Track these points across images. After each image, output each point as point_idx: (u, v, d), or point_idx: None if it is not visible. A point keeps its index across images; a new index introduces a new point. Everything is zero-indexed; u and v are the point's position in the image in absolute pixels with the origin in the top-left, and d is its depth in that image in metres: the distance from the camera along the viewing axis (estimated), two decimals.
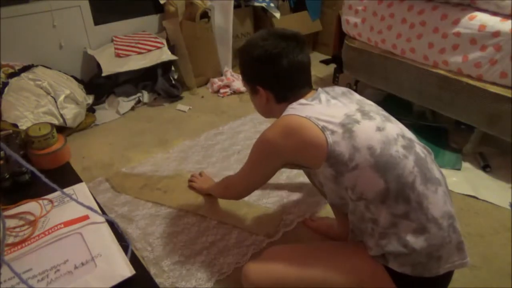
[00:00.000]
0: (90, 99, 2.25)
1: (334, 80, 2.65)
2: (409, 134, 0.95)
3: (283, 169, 1.79)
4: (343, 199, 0.96)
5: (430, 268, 0.86)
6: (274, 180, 1.71)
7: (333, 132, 0.89)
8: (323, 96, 0.99)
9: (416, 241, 0.84)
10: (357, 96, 1.04)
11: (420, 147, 0.93)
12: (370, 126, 0.90)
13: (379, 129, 0.90)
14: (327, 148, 0.88)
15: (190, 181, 1.66)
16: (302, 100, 0.99)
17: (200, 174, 1.68)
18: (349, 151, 0.87)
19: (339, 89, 1.05)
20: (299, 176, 1.74)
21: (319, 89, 1.03)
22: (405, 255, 0.85)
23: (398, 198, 0.85)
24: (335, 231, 1.37)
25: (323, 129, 0.89)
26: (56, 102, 1.93)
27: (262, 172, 1.10)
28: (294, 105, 0.98)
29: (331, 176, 0.92)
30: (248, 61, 1.07)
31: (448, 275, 0.91)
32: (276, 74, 1.02)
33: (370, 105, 1.00)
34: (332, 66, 2.70)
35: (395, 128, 0.93)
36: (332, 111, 0.94)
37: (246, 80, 1.11)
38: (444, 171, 0.95)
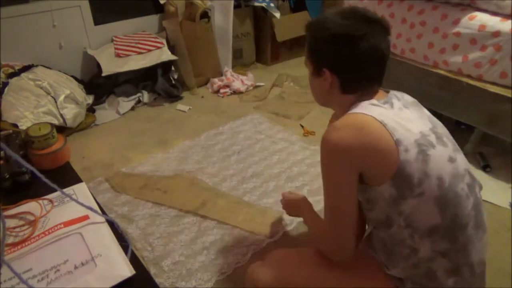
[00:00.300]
0: (90, 99, 2.25)
1: None
2: (471, 171, 0.88)
3: (282, 170, 1.79)
4: (388, 220, 0.85)
5: None
6: (274, 179, 1.71)
7: (407, 149, 0.78)
8: (396, 102, 0.87)
9: (445, 281, 0.82)
10: (425, 111, 0.93)
11: (478, 186, 0.87)
12: (444, 155, 0.82)
13: (451, 159, 0.82)
14: (398, 165, 0.78)
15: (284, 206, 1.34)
16: (373, 101, 0.86)
17: (283, 196, 1.32)
18: (419, 175, 0.78)
19: (408, 97, 0.94)
20: (299, 176, 1.74)
21: (391, 92, 0.91)
22: (426, 286, 0.84)
23: (446, 236, 0.80)
24: None
25: (397, 142, 0.78)
26: (56, 102, 1.94)
27: (342, 191, 0.86)
28: (364, 103, 0.85)
29: (390, 197, 0.81)
30: (321, 38, 0.89)
31: None
32: (351, 59, 0.86)
33: (442, 127, 0.91)
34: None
35: (464, 161, 0.86)
36: (407, 123, 0.82)
37: (312, 58, 0.93)
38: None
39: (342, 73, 0.89)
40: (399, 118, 0.83)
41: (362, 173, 0.84)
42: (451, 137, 0.89)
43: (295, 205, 1.23)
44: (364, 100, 0.88)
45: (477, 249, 0.82)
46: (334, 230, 0.89)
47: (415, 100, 0.95)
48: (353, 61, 0.87)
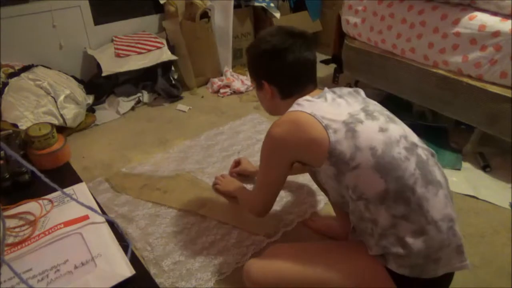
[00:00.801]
0: (90, 99, 2.25)
1: (334, 80, 2.65)
2: (412, 136, 0.95)
3: None
4: (344, 198, 0.97)
5: (428, 270, 0.86)
6: None
7: (335, 130, 0.90)
8: (329, 95, 1.00)
9: (414, 243, 0.84)
10: (363, 95, 1.05)
11: (422, 149, 0.93)
12: (373, 126, 0.91)
13: (382, 129, 0.90)
14: (329, 146, 0.89)
15: (214, 184, 1.66)
16: (308, 97, 1.00)
17: (222, 176, 1.67)
18: (350, 150, 0.88)
19: (346, 89, 1.06)
20: (299, 176, 1.74)
21: (326, 88, 1.04)
22: (403, 256, 0.85)
23: (398, 199, 0.85)
24: (336, 231, 1.37)
25: (326, 127, 0.90)
26: (56, 102, 1.93)
27: (274, 173, 1.08)
28: (300, 101, 0.99)
29: (333, 175, 0.93)
30: (255, 55, 1.08)
31: (448, 277, 0.91)
32: (281, 69, 1.03)
33: (375, 105, 1.01)
34: (332, 66, 2.70)
35: (398, 129, 0.93)
36: (337, 109, 0.95)
37: (253, 75, 1.13)
38: (444, 171, 0.95)
39: (277, 82, 1.06)
40: (330, 107, 0.96)
41: (301, 160, 1.01)
42: (386, 112, 0.99)
43: (235, 185, 1.56)
44: (300, 98, 1.02)
45: (434, 205, 0.86)
46: (263, 197, 1.16)
47: (354, 89, 1.07)
48: (283, 71, 1.04)
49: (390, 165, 0.86)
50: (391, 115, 0.99)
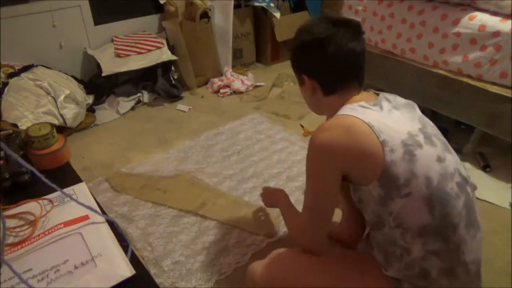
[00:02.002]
0: (90, 99, 2.25)
1: None
2: (463, 170, 0.88)
3: (282, 170, 1.79)
4: (380, 219, 0.87)
5: None
6: (274, 179, 1.71)
7: (393, 150, 0.80)
8: (385, 104, 0.89)
9: (439, 280, 0.82)
10: (418, 111, 0.94)
11: (470, 186, 0.87)
12: (432, 154, 0.82)
13: (439, 159, 0.82)
14: (384, 165, 0.80)
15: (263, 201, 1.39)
16: (363, 103, 0.88)
17: (263, 189, 1.37)
18: (405, 176, 0.79)
19: (401, 100, 0.95)
20: (299, 176, 1.74)
21: (381, 94, 0.94)
22: (422, 287, 0.84)
23: (438, 235, 0.80)
24: (341, 234, 1.35)
25: (383, 143, 0.80)
26: (56, 102, 1.93)
27: (323, 188, 0.90)
28: (354, 105, 0.88)
29: (378, 197, 0.83)
30: (295, 47, 0.98)
31: None
32: (322, 61, 0.92)
33: (432, 127, 0.91)
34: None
35: (454, 161, 0.86)
36: (395, 125, 0.84)
37: (294, 68, 1.01)
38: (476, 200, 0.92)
39: (318, 75, 0.94)
40: (387, 119, 0.84)
41: (348, 174, 0.87)
42: (442, 137, 0.90)
43: (272, 195, 1.28)
44: (349, 100, 0.92)
45: (470, 248, 0.82)
46: (313, 224, 0.94)
47: (409, 102, 0.96)
48: (323, 63, 0.92)
49: (441, 201, 0.79)
50: (446, 143, 0.90)
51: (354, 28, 0.92)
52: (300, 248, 0.99)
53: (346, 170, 0.87)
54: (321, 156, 0.88)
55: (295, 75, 1.02)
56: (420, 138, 0.83)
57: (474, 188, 0.89)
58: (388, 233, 0.85)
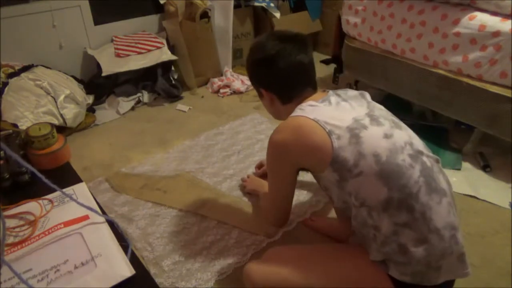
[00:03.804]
0: (90, 99, 2.25)
1: (334, 80, 2.65)
2: (417, 142, 0.93)
3: None
4: (347, 204, 0.95)
5: (429, 278, 0.86)
6: None
7: (339, 136, 0.88)
8: (333, 99, 0.97)
9: (416, 251, 0.84)
10: (368, 98, 1.02)
11: (427, 157, 0.91)
12: (378, 133, 0.89)
13: (386, 136, 0.88)
14: (332, 152, 0.87)
15: (242, 186, 1.64)
16: (312, 102, 0.97)
17: (248, 176, 1.66)
18: (354, 157, 0.86)
19: (351, 92, 1.03)
20: (298, 176, 1.73)
21: (330, 91, 1.02)
22: (404, 263, 0.85)
23: (401, 207, 0.84)
24: (336, 230, 1.37)
25: (329, 133, 0.88)
26: (56, 102, 1.94)
27: (282, 181, 1.07)
28: (304, 106, 0.97)
29: (335, 181, 0.91)
30: (250, 64, 1.09)
31: (449, 284, 0.91)
32: (275, 76, 1.02)
33: (380, 110, 0.98)
34: (332, 66, 2.70)
35: (403, 135, 0.91)
36: (341, 114, 0.92)
37: (252, 83, 1.13)
38: (444, 171, 0.95)
39: (274, 88, 1.06)
40: (334, 111, 0.94)
41: (304, 166, 0.99)
42: (391, 117, 0.97)
43: (258, 181, 1.56)
44: (303, 102, 1.01)
45: (437, 213, 0.84)
46: (274, 206, 1.20)
47: (360, 92, 1.04)
48: (277, 77, 1.03)
49: (394, 173, 0.84)
50: (397, 120, 0.97)
51: (300, 42, 1.02)
52: (293, 245, 1.13)
53: (300, 163, 0.99)
54: (276, 154, 1.01)
55: (254, 88, 1.13)
56: (366, 121, 0.91)
57: (434, 159, 0.93)
58: (357, 215, 0.91)
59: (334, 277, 0.92)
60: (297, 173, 1.05)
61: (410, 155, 0.87)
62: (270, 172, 1.09)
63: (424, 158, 0.89)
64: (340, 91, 1.03)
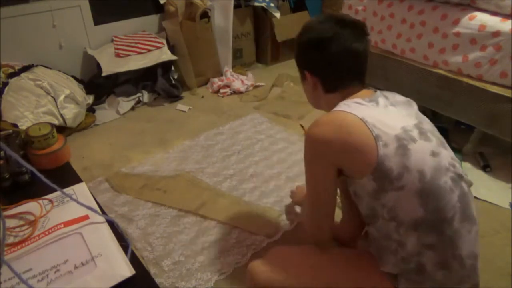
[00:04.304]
0: (90, 99, 2.25)
1: None
2: (459, 166, 0.89)
3: (282, 170, 1.79)
4: (374, 212, 0.89)
5: None
6: (274, 179, 1.71)
7: (386, 144, 0.81)
8: (381, 100, 0.91)
9: (435, 273, 0.82)
10: (415, 108, 0.96)
11: (465, 182, 0.88)
12: (426, 148, 0.83)
13: (434, 154, 0.84)
14: (377, 159, 0.81)
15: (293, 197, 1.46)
16: (358, 99, 0.90)
17: (297, 188, 1.47)
18: (398, 169, 0.81)
19: (399, 97, 0.97)
20: (299, 176, 1.74)
21: (378, 91, 0.95)
22: (418, 282, 0.84)
23: (432, 229, 0.81)
24: (339, 232, 1.36)
25: (376, 137, 0.81)
26: (56, 102, 1.93)
27: (320, 183, 0.94)
28: (349, 102, 0.90)
29: (372, 190, 0.85)
30: (299, 44, 1.00)
31: None
32: (324, 60, 0.94)
33: (428, 124, 0.93)
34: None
35: (448, 156, 0.87)
36: (390, 120, 0.85)
37: (297, 64, 1.04)
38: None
39: (320, 73, 0.97)
40: (382, 115, 0.86)
41: (342, 167, 0.89)
42: (438, 134, 0.91)
43: (302, 192, 1.35)
44: (348, 97, 0.93)
45: (465, 241, 0.83)
46: (314, 216, 0.99)
47: (407, 99, 0.97)
48: (327, 62, 0.94)
49: (434, 194, 0.81)
50: (442, 139, 0.91)
51: (359, 29, 0.93)
52: (299, 246, 1.02)
53: (340, 164, 0.89)
54: (314, 150, 0.91)
55: (298, 69, 1.04)
56: (415, 133, 0.84)
57: (470, 184, 0.90)
58: (383, 226, 0.86)
59: (340, 284, 0.91)
60: (338, 176, 0.93)
61: (452, 178, 0.84)
62: (307, 172, 0.97)
63: (463, 184, 0.86)
64: (388, 93, 0.96)
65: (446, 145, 0.91)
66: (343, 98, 0.93)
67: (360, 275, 0.92)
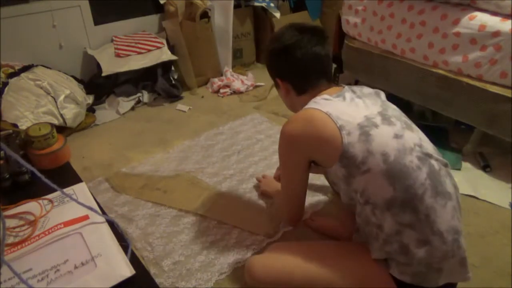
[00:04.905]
0: (90, 99, 2.25)
1: (334, 80, 2.65)
2: (427, 144, 0.94)
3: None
4: (352, 200, 0.96)
5: (429, 279, 0.86)
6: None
7: (349, 132, 0.89)
8: (348, 95, 0.98)
9: (417, 251, 0.84)
10: (383, 97, 1.04)
11: (436, 160, 0.91)
12: (388, 132, 0.89)
13: (396, 136, 0.89)
14: (342, 148, 0.88)
15: (258, 185, 1.64)
16: (326, 95, 0.98)
17: (263, 176, 1.65)
18: (362, 154, 0.87)
19: (367, 89, 1.05)
20: None
21: (346, 87, 1.03)
22: (405, 263, 0.86)
23: (405, 207, 0.85)
24: (336, 230, 1.37)
25: (340, 128, 0.89)
26: (56, 102, 1.94)
27: (293, 174, 1.07)
28: (318, 99, 0.98)
29: (342, 176, 0.92)
30: (268, 54, 1.10)
31: (450, 286, 0.92)
32: (290, 65, 1.03)
33: (394, 110, 0.99)
34: (332, 66, 2.71)
35: (413, 137, 0.92)
36: (353, 110, 0.93)
37: (269, 73, 1.14)
38: (452, 175, 0.94)
39: (289, 78, 1.07)
40: (347, 107, 0.94)
41: (314, 158, 0.99)
42: (404, 118, 0.98)
43: (275, 184, 1.52)
44: (318, 96, 1.01)
45: (441, 216, 0.85)
46: (288, 200, 1.16)
47: (375, 91, 1.05)
48: (293, 67, 1.04)
49: (400, 173, 0.85)
50: (409, 122, 0.98)
51: (318, 34, 1.04)
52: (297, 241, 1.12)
53: (310, 156, 0.99)
54: (286, 144, 1.01)
55: (271, 78, 1.13)
56: (377, 119, 0.91)
57: (442, 163, 0.93)
58: (361, 212, 0.92)
59: (337, 274, 0.93)
60: (309, 166, 1.04)
61: (419, 157, 0.88)
62: (282, 163, 1.09)
63: (433, 161, 0.89)
64: (355, 88, 1.04)
65: (414, 127, 0.97)
66: (314, 97, 1.02)
67: (358, 266, 0.94)
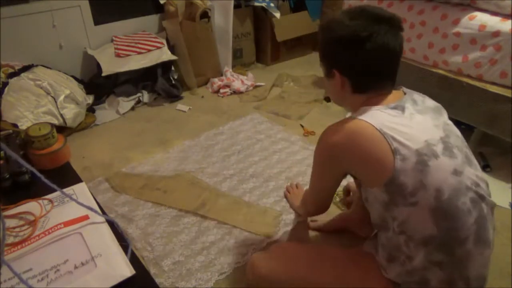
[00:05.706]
0: (90, 99, 2.25)
1: None
2: (482, 183, 0.84)
3: (282, 170, 1.79)
4: (384, 223, 0.87)
5: None
6: (274, 179, 1.71)
7: (404, 158, 0.77)
8: (408, 107, 0.85)
9: None
10: (445, 118, 0.91)
11: (486, 203, 0.83)
12: (448, 166, 0.79)
13: (456, 172, 0.79)
14: (392, 173, 0.77)
15: (286, 189, 1.60)
16: (382, 106, 0.85)
17: (297, 186, 1.57)
18: (414, 185, 0.77)
19: (429, 102, 0.92)
20: (299, 176, 1.74)
21: (407, 95, 0.90)
22: None
23: (442, 248, 0.78)
24: (337, 230, 1.37)
25: (395, 151, 0.77)
26: (56, 102, 1.93)
27: (326, 181, 0.98)
28: (372, 109, 0.85)
29: (382, 201, 0.82)
30: (329, 40, 0.90)
31: None
32: (359, 60, 0.86)
33: (457, 138, 0.87)
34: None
35: (472, 174, 0.82)
36: (413, 131, 0.80)
37: (323, 60, 0.95)
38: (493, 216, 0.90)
39: (351, 74, 0.89)
40: (406, 125, 0.81)
41: (353, 174, 0.91)
42: (466, 149, 0.87)
43: (300, 195, 1.39)
44: (374, 100, 0.88)
45: (475, 263, 0.80)
46: (314, 201, 1.11)
47: (437, 106, 0.92)
48: (360, 62, 0.86)
49: (449, 215, 0.77)
50: (469, 153, 0.88)
51: (395, 26, 0.86)
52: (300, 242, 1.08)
53: (349, 171, 0.90)
54: (326, 156, 0.92)
55: (322, 64, 0.96)
56: (438, 148, 0.80)
57: (491, 205, 0.85)
58: (393, 237, 0.84)
59: (340, 283, 0.91)
60: (345, 176, 0.94)
61: (472, 199, 0.79)
62: (315, 171, 0.98)
63: (483, 205, 0.81)
64: (417, 97, 0.91)
65: (473, 161, 0.86)
66: (370, 99, 0.89)
67: (359, 273, 0.92)
